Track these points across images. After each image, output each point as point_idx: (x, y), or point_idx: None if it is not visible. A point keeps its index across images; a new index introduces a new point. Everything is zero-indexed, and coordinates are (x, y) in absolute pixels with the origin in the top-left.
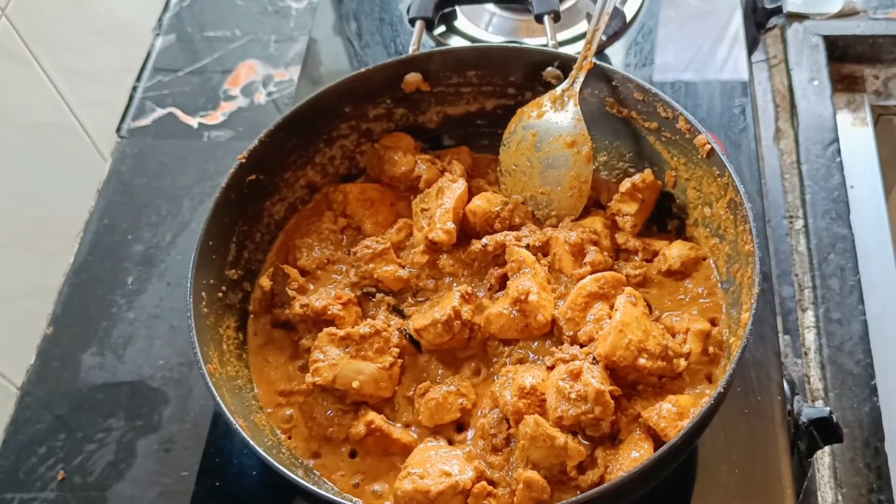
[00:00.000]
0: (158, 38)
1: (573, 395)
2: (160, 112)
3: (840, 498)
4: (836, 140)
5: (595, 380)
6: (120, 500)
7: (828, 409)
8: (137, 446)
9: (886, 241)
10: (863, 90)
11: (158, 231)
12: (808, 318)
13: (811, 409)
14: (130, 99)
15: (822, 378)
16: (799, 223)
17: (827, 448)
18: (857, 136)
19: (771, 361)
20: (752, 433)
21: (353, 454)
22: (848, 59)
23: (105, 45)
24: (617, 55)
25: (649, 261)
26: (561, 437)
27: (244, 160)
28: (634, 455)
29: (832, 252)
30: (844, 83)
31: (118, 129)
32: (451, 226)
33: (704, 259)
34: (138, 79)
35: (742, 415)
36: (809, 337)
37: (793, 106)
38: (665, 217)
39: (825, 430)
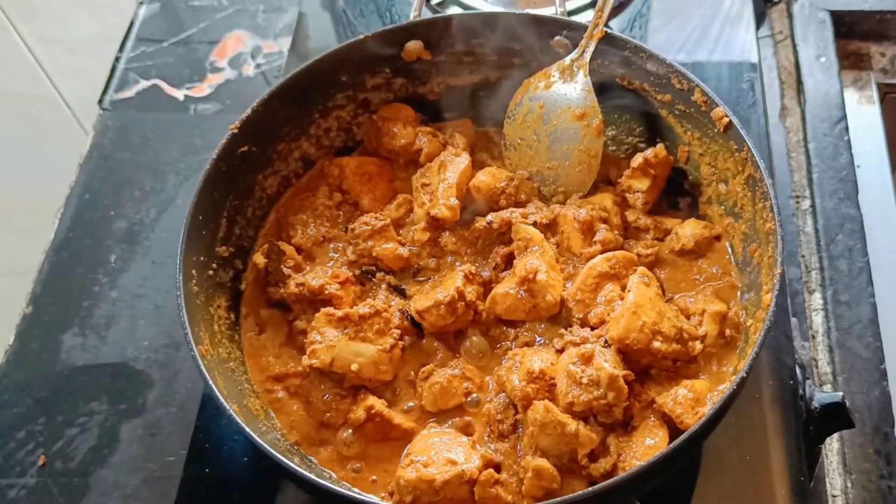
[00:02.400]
0: (142, 7)
1: (585, 380)
2: (144, 84)
3: (849, 484)
4: (844, 118)
5: (608, 364)
6: (103, 486)
7: (840, 394)
8: (121, 431)
9: (894, 222)
10: (869, 68)
11: (142, 207)
12: (816, 300)
13: (823, 393)
14: (113, 70)
15: (830, 362)
16: (806, 203)
17: (835, 434)
18: (863, 114)
19: (783, 345)
20: (763, 418)
21: (351, 440)
22: (854, 35)
23: (86, 13)
24: (619, 28)
25: (661, 240)
26: (572, 424)
27: (236, 130)
28: (649, 443)
29: (840, 233)
30: (851, 60)
31: (100, 101)
32: (454, 202)
33: (719, 238)
34: (121, 49)
35: (753, 399)
36: (817, 320)
37: (799, 83)
38: (676, 195)
39: (837, 416)
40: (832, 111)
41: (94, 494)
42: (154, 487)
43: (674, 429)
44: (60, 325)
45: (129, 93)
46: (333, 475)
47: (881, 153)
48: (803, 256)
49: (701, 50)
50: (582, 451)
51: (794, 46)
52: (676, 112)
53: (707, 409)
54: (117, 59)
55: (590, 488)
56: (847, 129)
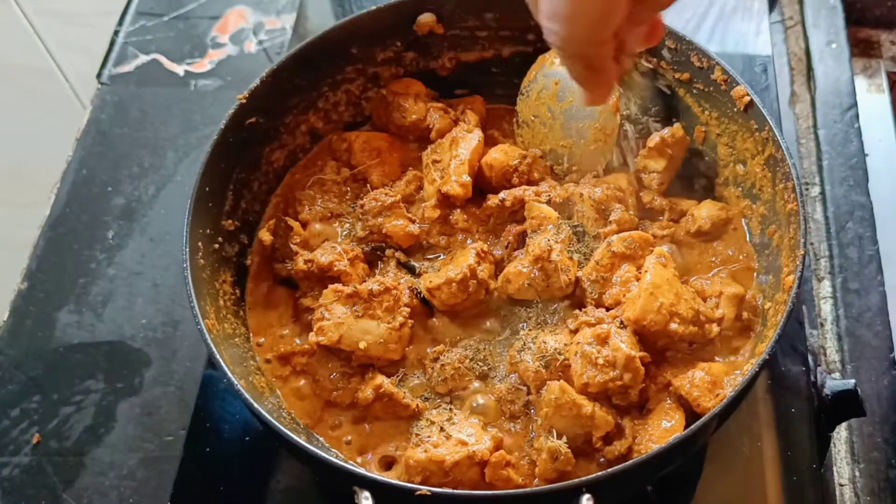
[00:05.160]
0: None
1: (600, 361)
2: (143, 58)
3: (857, 474)
4: (855, 105)
5: (624, 345)
6: (99, 465)
7: (852, 381)
8: (117, 410)
9: None
10: (879, 56)
11: (140, 184)
12: (825, 287)
13: (835, 381)
14: (112, 44)
15: (838, 350)
16: (815, 190)
17: (844, 422)
18: (872, 102)
19: (795, 331)
20: (774, 405)
21: (359, 419)
22: (865, 22)
23: None
24: None
25: (676, 221)
26: (588, 406)
27: (244, 100)
28: (665, 425)
29: (850, 220)
30: (860, 48)
31: (98, 76)
32: (466, 179)
33: (734, 220)
34: (120, 23)
35: (764, 385)
36: (826, 308)
37: (809, 69)
38: (691, 176)
39: (848, 404)
40: (843, 98)
41: (89, 474)
42: (151, 467)
43: (689, 412)
44: (56, 301)
45: (127, 67)
46: (341, 455)
47: (891, 141)
48: (812, 244)
49: (711, 34)
50: (597, 433)
51: (805, 32)
52: (694, 91)
53: (728, 392)
54: (116, 33)
55: (606, 470)
56: (857, 116)
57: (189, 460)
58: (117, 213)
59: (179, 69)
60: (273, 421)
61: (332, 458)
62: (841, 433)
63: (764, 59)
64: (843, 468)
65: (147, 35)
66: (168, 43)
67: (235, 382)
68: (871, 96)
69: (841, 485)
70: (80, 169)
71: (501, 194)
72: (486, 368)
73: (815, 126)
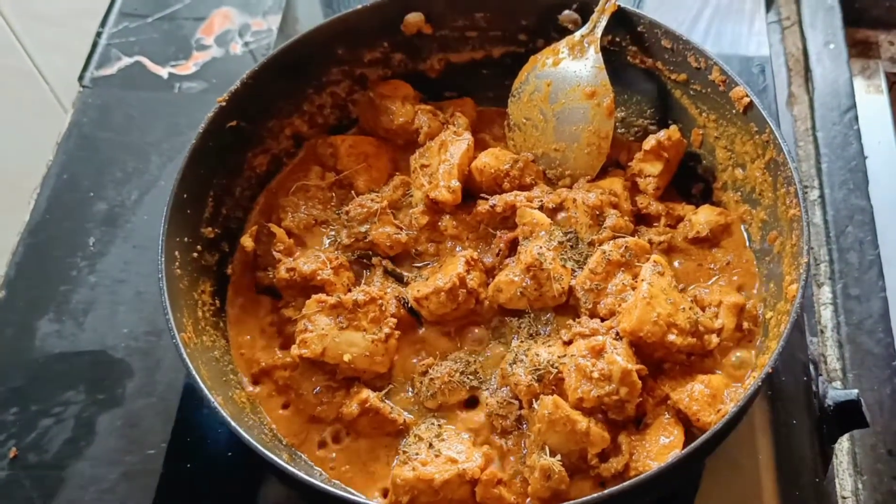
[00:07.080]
0: None
1: (595, 374)
2: (126, 61)
3: (860, 486)
4: (854, 106)
5: (620, 357)
6: (79, 479)
7: (855, 391)
8: (98, 422)
9: None
10: (877, 56)
11: (123, 189)
12: (825, 293)
13: (837, 391)
14: (94, 46)
15: (839, 358)
16: (814, 193)
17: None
18: (871, 103)
19: (795, 340)
20: (775, 416)
21: (344, 435)
22: (863, 23)
23: None
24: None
25: (673, 227)
26: (583, 422)
27: (224, 103)
28: (664, 441)
29: (850, 224)
30: (858, 49)
31: (80, 78)
32: (456, 184)
33: (733, 225)
34: (102, 24)
35: (765, 396)
36: (826, 314)
37: (807, 70)
38: (688, 181)
39: (850, 415)
40: (841, 99)
41: (69, 488)
42: (133, 481)
43: (688, 426)
44: (36, 310)
45: (110, 70)
46: (324, 473)
47: (890, 143)
48: (812, 249)
49: (705, 35)
50: (592, 450)
51: (802, 32)
52: (691, 92)
53: (730, 407)
54: (98, 35)
55: (604, 492)
56: (857, 118)
57: (170, 475)
58: (99, 218)
59: (163, 71)
60: (250, 439)
61: (310, 479)
62: (843, 444)
63: (761, 59)
64: (845, 480)
65: (130, 37)
66: (152, 45)
67: (213, 400)
68: (869, 97)
69: (843, 497)
70: (62, 173)
71: (492, 200)
72: (476, 382)
73: (813, 128)
